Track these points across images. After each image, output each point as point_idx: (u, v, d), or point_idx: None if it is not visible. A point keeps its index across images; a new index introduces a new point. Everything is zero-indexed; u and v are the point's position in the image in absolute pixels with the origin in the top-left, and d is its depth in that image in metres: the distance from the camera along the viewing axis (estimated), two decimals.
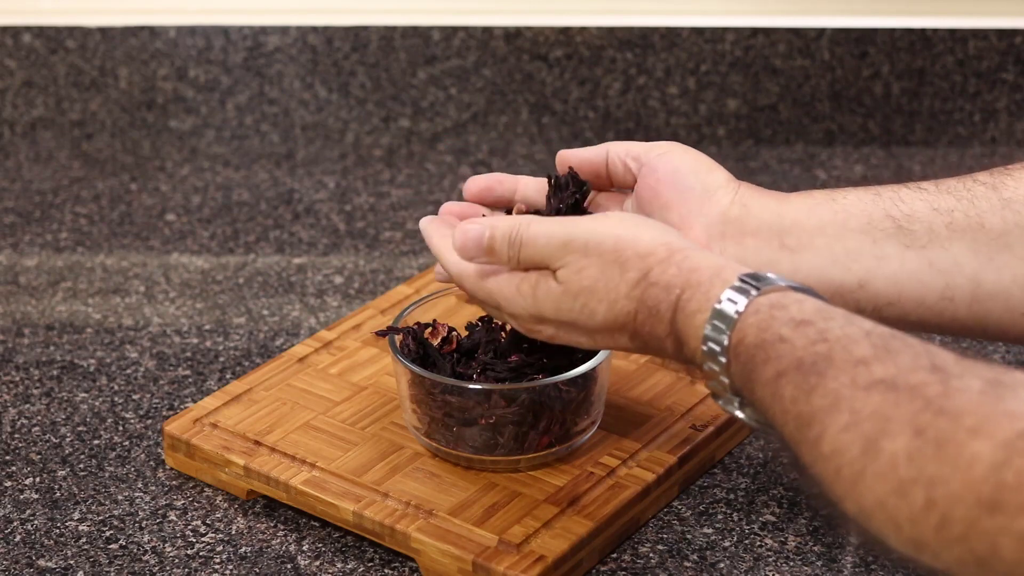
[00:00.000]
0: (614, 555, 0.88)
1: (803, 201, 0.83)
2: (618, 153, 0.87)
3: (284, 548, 0.89)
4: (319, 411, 0.96)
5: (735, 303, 0.71)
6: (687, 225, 0.83)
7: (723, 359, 0.71)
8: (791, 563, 0.87)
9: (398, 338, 0.92)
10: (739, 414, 0.74)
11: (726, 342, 0.71)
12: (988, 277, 0.81)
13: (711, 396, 0.75)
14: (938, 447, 0.59)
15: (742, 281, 0.72)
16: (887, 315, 0.82)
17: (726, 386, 0.73)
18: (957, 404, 0.60)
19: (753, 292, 0.71)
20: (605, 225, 0.77)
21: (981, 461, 0.58)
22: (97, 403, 1.03)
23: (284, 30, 1.40)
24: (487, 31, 1.39)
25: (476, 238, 0.79)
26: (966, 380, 0.61)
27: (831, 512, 0.68)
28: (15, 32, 1.40)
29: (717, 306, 0.71)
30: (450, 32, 1.39)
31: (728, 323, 0.71)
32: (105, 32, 1.40)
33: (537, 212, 0.88)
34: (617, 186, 0.88)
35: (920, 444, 0.60)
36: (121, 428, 1.00)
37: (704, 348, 0.72)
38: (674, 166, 0.85)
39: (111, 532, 0.90)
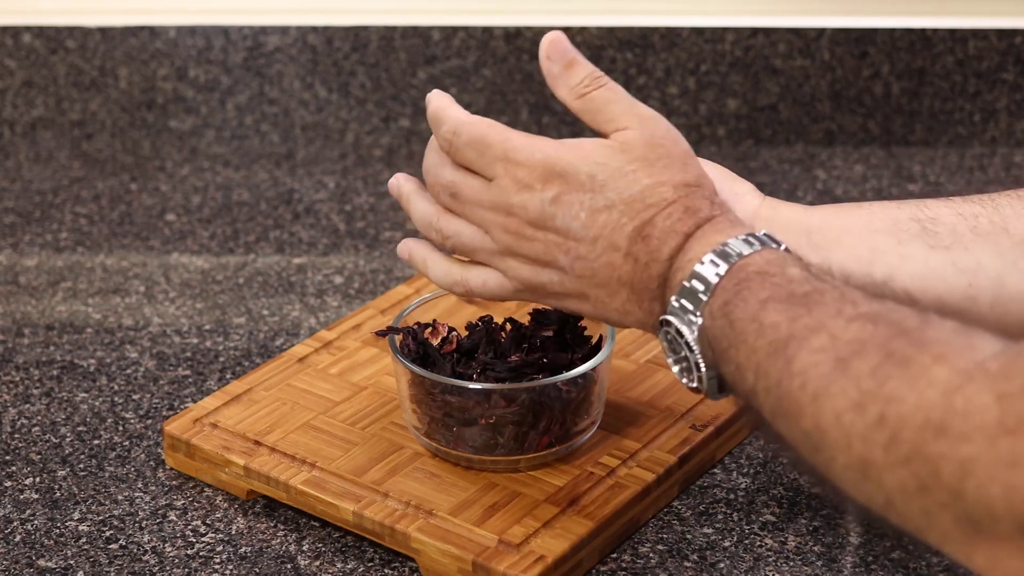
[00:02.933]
0: (614, 555, 0.88)
1: (828, 207, 0.86)
2: None
3: (284, 548, 0.89)
4: (319, 411, 0.96)
5: (755, 241, 0.73)
6: None
7: (716, 277, 0.72)
8: (791, 563, 0.87)
9: (398, 338, 0.92)
10: (687, 333, 0.73)
11: (730, 263, 0.72)
12: (1011, 280, 0.82)
13: (660, 322, 0.75)
14: (902, 367, 0.61)
15: (768, 235, 0.74)
16: None
17: (698, 305, 0.73)
18: (929, 335, 0.62)
19: (774, 244, 0.73)
20: (677, 132, 0.79)
21: (936, 385, 0.59)
22: (97, 403, 1.03)
23: (284, 30, 1.40)
24: (487, 31, 1.39)
25: (567, 47, 0.78)
26: (944, 321, 0.64)
27: (774, 440, 0.69)
28: (15, 32, 1.40)
29: (741, 235, 0.73)
30: (450, 32, 1.39)
31: (742, 250, 0.72)
32: (105, 32, 1.40)
33: None
34: None
35: (887, 364, 0.62)
36: (121, 428, 1.00)
37: (702, 263, 0.73)
38: None
39: (111, 532, 0.90)
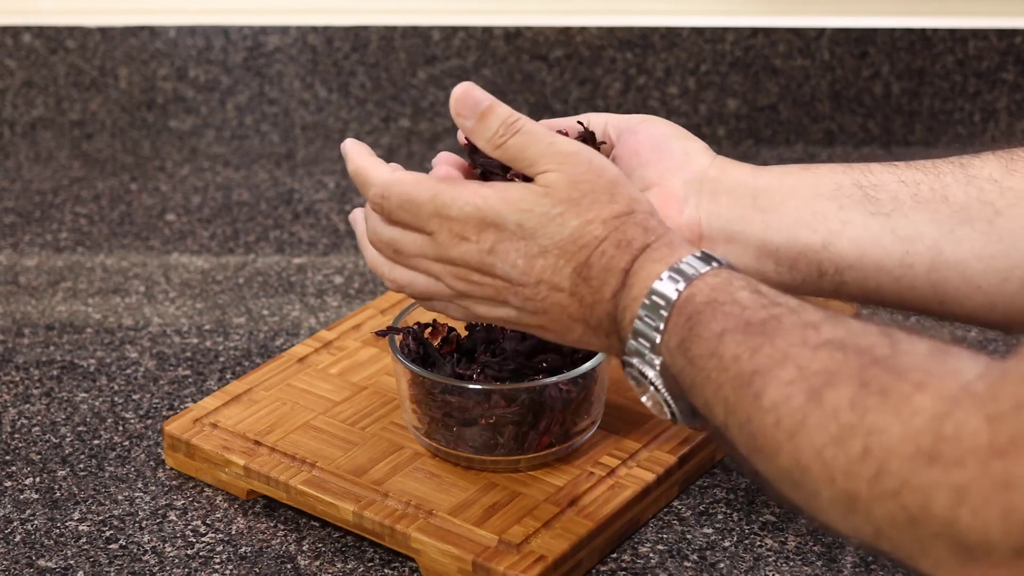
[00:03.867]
0: (614, 555, 0.88)
1: (777, 169, 0.86)
2: (598, 122, 0.89)
3: (284, 548, 0.89)
4: (319, 411, 0.96)
5: (695, 266, 0.72)
6: (665, 181, 0.85)
7: (665, 312, 0.72)
8: (791, 563, 0.87)
9: (398, 338, 0.92)
10: (650, 373, 0.73)
11: (675, 297, 0.71)
12: (947, 248, 0.82)
13: (622, 360, 0.75)
14: (882, 397, 0.60)
15: (706, 254, 0.73)
16: (848, 278, 0.84)
17: (653, 345, 0.72)
18: (904, 362, 0.61)
19: (715, 264, 0.72)
20: (609, 161, 0.78)
21: (922, 413, 0.58)
22: (97, 403, 1.03)
23: (284, 30, 1.40)
24: (487, 31, 1.39)
25: (477, 98, 0.77)
26: (914, 343, 0.62)
27: (751, 474, 0.67)
28: (15, 32, 1.40)
29: (678, 264, 0.72)
30: (450, 32, 1.39)
31: (685, 279, 0.72)
32: (105, 32, 1.40)
33: None
34: None
35: (864, 394, 0.60)
36: (121, 428, 1.00)
37: (647, 300, 0.72)
38: (655, 130, 0.87)
39: (111, 532, 0.90)
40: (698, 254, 0.73)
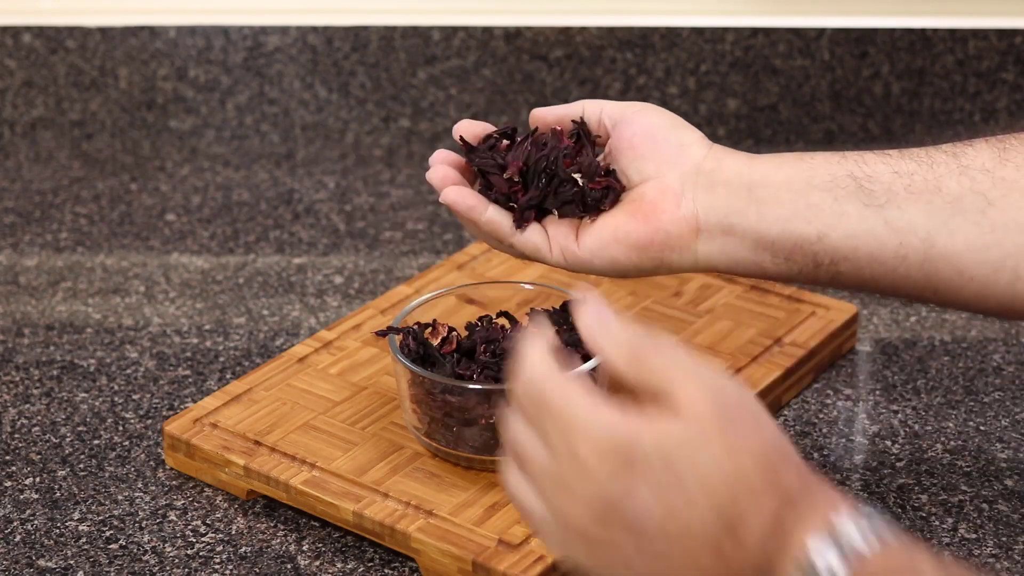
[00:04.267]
0: None
1: (773, 159, 0.86)
2: (593, 110, 0.88)
3: (284, 548, 0.89)
4: (319, 411, 0.96)
5: (867, 538, 0.64)
6: (662, 174, 0.85)
7: None
8: None
9: (398, 338, 0.92)
10: None
11: (844, 565, 0.63)
12: (941, 239, 0.82)
13: None
14: None
15: (869, 512, 0.65)
16: (843, 269, 0.84)
17: None
18: None
19: (880, 526, 0.65)
20: (742, 387, 0.69)
21: None
22: (97, 403, 1.03)
23: (284, 30, 1.40)
24: (487, 31, 1.39)
25: (604, 311, 0.67)
26: None
27: None
28: (15, 32, 1.40)
29: (843, 529, 0.64)
30: (450, 32, 1.39)
31: (853, 551, 0.63)
32: (105, 32, 1.40)
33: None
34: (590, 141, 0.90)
35: None
36: (121, 428, 1.00)
37: (809, 567, 0.63)
38: (650, 121, 0.87)
39: (111, 532, 0.90)
40: (862, 517, 0.64)
